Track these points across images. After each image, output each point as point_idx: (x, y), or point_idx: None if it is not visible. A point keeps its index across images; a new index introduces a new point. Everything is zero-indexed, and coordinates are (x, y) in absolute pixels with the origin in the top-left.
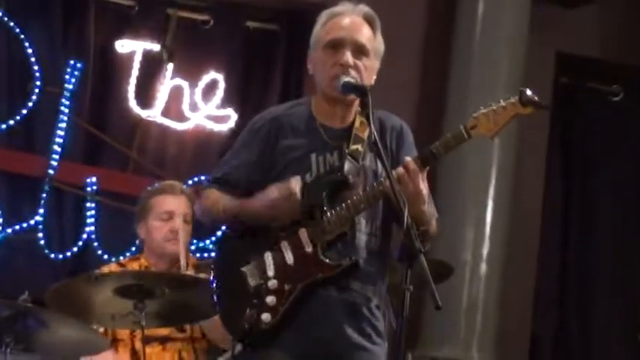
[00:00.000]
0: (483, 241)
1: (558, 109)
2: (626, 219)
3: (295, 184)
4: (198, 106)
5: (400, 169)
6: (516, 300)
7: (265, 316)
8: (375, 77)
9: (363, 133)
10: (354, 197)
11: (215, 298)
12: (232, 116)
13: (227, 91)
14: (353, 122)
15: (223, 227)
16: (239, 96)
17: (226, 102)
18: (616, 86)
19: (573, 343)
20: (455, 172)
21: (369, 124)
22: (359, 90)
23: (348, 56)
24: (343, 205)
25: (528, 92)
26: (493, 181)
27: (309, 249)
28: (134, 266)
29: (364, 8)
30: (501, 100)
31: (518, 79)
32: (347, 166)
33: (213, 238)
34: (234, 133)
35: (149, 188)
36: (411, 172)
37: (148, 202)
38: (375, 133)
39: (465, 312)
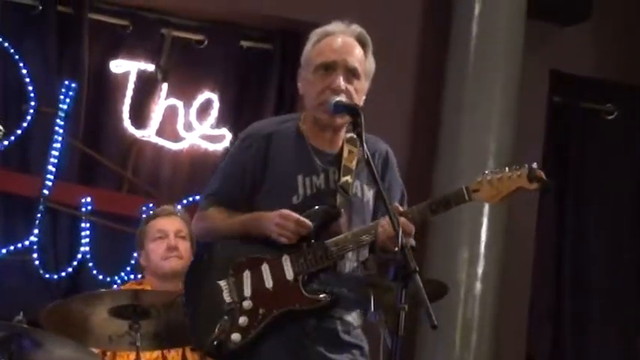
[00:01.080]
0: (478, 260)
1: (552, 128)
2: (621, 236)
3: (303, 220)
4: (193, 125)
5: (379, 228)
6: (511, 319)
7: (235, 336)
8: (364, 98)
9: (351, 162)
10: (346, 235)
11: (185, 304)
12: (227, 136)
13: (221, 110)
14: (341, 149)
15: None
16: (233, 115)
17: (221, 122)
18: (610, 105)
19: None
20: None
21: (362, 143)
22: (351, 110)
23: (340, 80)
24: (334, 239)
25: (536, 168)
26: None
27: (290, 277)
28: None
29: (356, 28)
30: (507, 169)
31: (513, 97)
32: (339, 199)
33: None
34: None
35: (144, 217)
36: (405, 230)
37: (143, 229)
38: (368, 153)
39: (460, 331)
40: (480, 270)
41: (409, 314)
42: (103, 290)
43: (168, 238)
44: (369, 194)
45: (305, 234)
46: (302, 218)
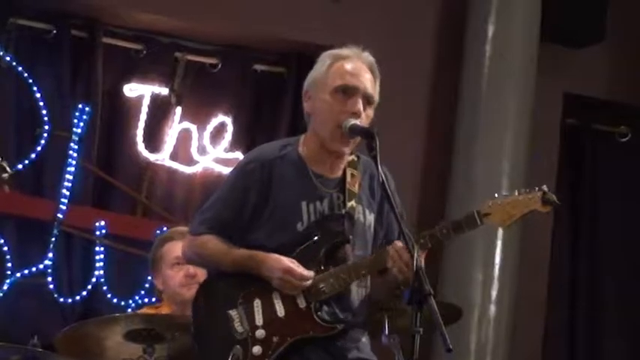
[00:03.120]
0: (492, 282)
1: (566, 151)
2: (636, 257)
3: (308, 275)
4: (207, 149)
5: (394, 252)
6: (526, 341)
7: None
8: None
9: (354, 186)
10: (357, 262)
11: (195, 337)
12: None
13: (235, 134)
14: (344, 173)
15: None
16: (247, 139)
17: (235, 145)
18: (623, 127)
19: None
20: (463, 214)
21: (377, 167)
22: (366, 133)
23: (361, 105)
24: (344, 267)
25: (548, 191)
26: None
27: (302, 305)
28: None
29: (368, 57)
30: (516, 192)
31: (526, 120)
32: (346, 225)
33: None
34: None
35: (158, 237)
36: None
37: (158, 252)
38: (384, 176)
39: (475, 354)
40: (494, 293)
41: (424, 337)
42: (117, 314)
43: (186, 266)
44: (370, 218)
45: (307, 285)
46: (305, 273)
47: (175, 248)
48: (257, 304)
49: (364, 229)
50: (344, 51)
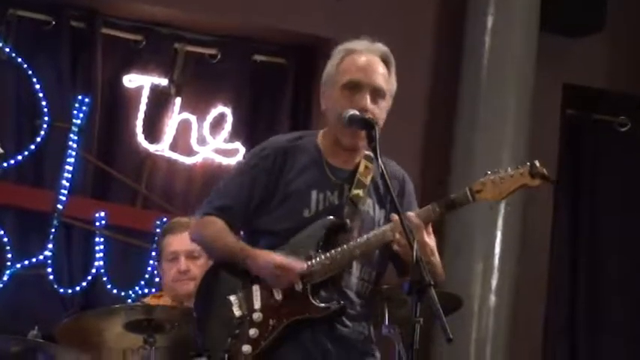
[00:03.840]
0: (492, 273)
1: (566, 141)
2: (637, 249)
3: (301, 269)
4: (207, 140)
5: (396, 222)
6: (526, 332)
7: (246, 348)
8: (384, 116)
9: (366, 177)
10: (351, 242)
11: (196, 322)
12: (240, 150)
13: (235, 124)
14: (357, 165)
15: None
16: (247, 129)
17: (234, 136)
18: (623, 117)
19: None
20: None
21: (377, 157)
22: (365, 123)
23: (367, 100)
24: (339, 249)
25: (538, 165)
26: (502, 213)
27: (298, 287)
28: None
29: (381, 47)
30: (509, 169)
31: (526, 110)
32: (346, 209)
33: None
34: None
35: (163, 228)
36: (415, 225)
37: (160, 244)
38: (383, 166)
39: (475, 344)
40: (494, 283)
41: (424, 328)
42: (117, 305)
43: (179, 261)
44: (381, 214)
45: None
46: (297, 264)
47: (173, 242)
48: (256, 289)
49: (372, 222)
50: (355, 44)
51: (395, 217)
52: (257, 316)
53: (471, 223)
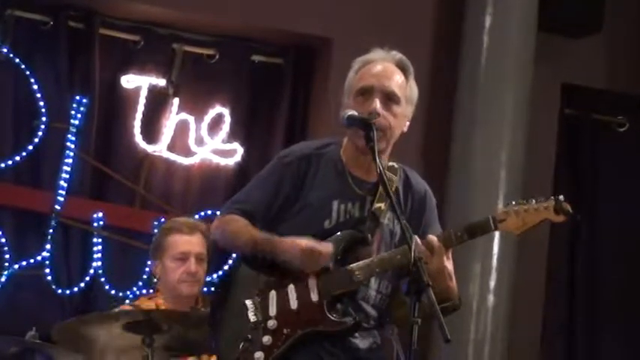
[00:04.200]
0: (490, 273)
1: (564, 140)
2: (635, 249)
3: (327, 250)
4: (204, 140)
5: (422, 247)
6: (524, 332)
7: (258, 355)
8: (408, 123)
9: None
10: (372, 259)
11: (211, 325)
12: (238, 150)
13: (233, 125)
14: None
15: (234, 255)
16: (245, 130)
17: (232, 136)
18: (622, 117)
19: None
20: (462, 205)
21: (374, 158)
22: (363, 123)
23: (376, 104)
24: (359, 264)
25: (562, 200)
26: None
27: (315, 298)
28: (150, 306)
29: (396, 55)
30: (534, 201)
31: (524, 110)
32: (367, 223)
33: (220, 272)
34: (241, 167)
35: (164, 225)
36: (435, 250)
37: (163, 241)
38: (382, 169)
39: (473, 344)
40: (492, 283)
41: (422, 328)
42: (117, 310)
43: (189, 262)
44: (399, 228)
45: (330, 255)
46: (325, 244)
47: (181, 242)
48: (272, 295)
49: (391, 236)
50: (371, 55)
51: (417, 239)
52: (272, 323)
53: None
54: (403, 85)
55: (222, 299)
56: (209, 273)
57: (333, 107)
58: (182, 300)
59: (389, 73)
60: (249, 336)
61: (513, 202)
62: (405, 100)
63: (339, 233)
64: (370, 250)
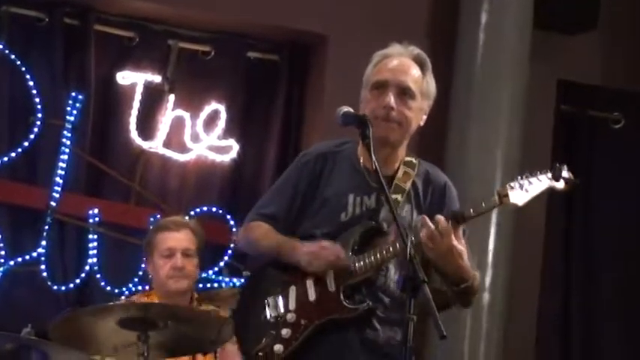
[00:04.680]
0: (486, 270)
1: (560, 137)
2: (630, 245)
3: (339, 250)
4: (200, 137)
5: (430, 226)
6: (520, 329)
7: (278, 347)
8: (425, 117)
9: (405, 183)
10: (385, 246)
11: (236, 325)
12: (234, 147)
13: (228, 121)
14: (396, 171)
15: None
16: (241, 126)
17: (228, 133)
18: (618, 113)
19: None
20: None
21: (370, 155)
22: (358, 120)
23: (390, 98)
24: (373, 251)
25: (563, 168)
26: (495, 210)
27: (332, 288)
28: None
29: (414, 50)
30: (538, 173)
31: (520, 107)
32: (383, 213)
33: (216, 269)
34: (236, 163)
35: (155, 224)
36: (442, 229)
37: (152, 239)
38: (377, 163)
39: (469, 341)
40: (488, 280)
41: (418, 325)
42: (112, 303)
43: (175, 258)
44: (418, 219)
45: (341, 257)
46: (337, 246)
47: (169, 239)
48: (292, 290)
49: (409, 227)
50: (389, 50)
51: (424, 218)
52: (290, 316)
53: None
54: (419, 79)
55: (248, 300)
56: (203, 269)
57: (327, 103)
58: (173, 296)
59: (405, 68)
60: (272, 332)
61: (518, 177)
62: (420, 94)
63: (356, 225)
64: (387, 239)
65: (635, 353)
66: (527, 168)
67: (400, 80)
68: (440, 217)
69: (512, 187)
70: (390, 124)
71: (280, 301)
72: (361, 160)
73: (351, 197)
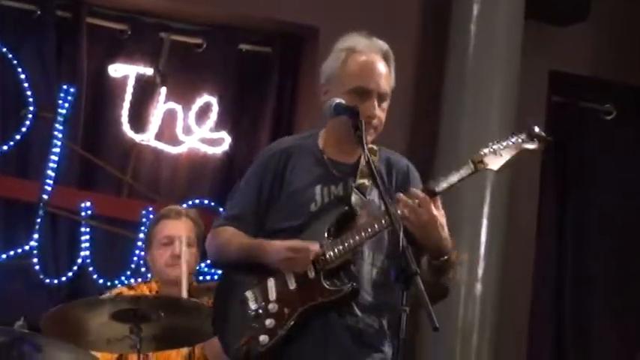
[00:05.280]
0: (478, 261)
1: (551, 128)
2: (622, 235)
3: (314, 249)
4: (192, 129)
5: (408, 200)
6: (512, 320)
7: (263, 338)
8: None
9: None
10: (359, 229)
11: (215, 321)
12: (226, 139)
13: (220, 114)
14: (359, 157)
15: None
16: (233, 119)
17: (220, 125)
18: (609, 105)
19: None
20: (449, 193)
21: (362, 147)
22: (350, 112)
23: (375, 108)
24: (347, 234)
25: (535, 127)
26: (488, 201)
27: (311, 274)
28: (145, 290)
29: (381, 45)
30: (509, 137)
31: (512, 98)
32: (354, 198)
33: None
34: (228, 156)
35: (156, 214)
36: (421, 200)
37: (152, 230)
38: (369, 155)
39: (461, 332)
40: (480, 271)
41: (410, 316)
42: (104, 296)
43: (173, 246)
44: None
45: (315, 254)
46: (308, 244)
47: (168, 227)
48: (271, 282)
49: (379, 212)
50: (357, 43)
51: (400, 195)
52: (272, 306)
53: (456, 212)
54: (389, 77)
55: (224, 298)
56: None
57: (318, 95)
58: (172, 284)
59: (380, 70)
60: (254, 324)
61: (490, 144)
62: (389, 93)
63: (327, 213)
64: (359, 222)
65: (627, 342)
66: (519, 159)
67: (383, 88)
68: (415, 190)
69: (485, 153)
70: (369, 130)
71: (259, 293)
72: (324, 152)
73: (317, 188)
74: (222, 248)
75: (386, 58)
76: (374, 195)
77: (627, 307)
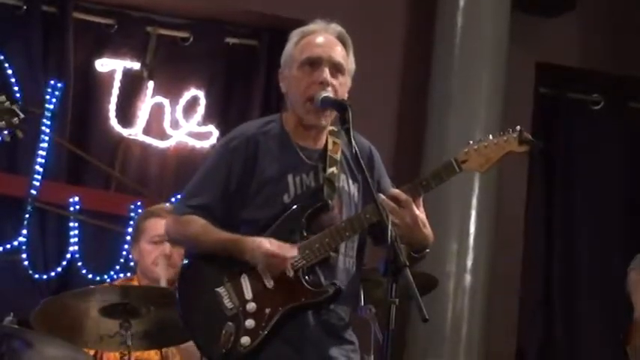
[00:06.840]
0: (467, 252)
1: (539, 119)
2: (609, 226)
3: (291, 255)
4: (180, 123)
5: (390, 202)
6: (501, 310)
7: (245, 340)
8: (347, 94)
9: (336, 154)
10: (338, 224)
11: (184, 321)
12: (214, 133)
13: (208, 107)
14: (326, 143)
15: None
16: (220, 112)
17: (207, 119)
18: (596, 95)
19: (559, 352)
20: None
21: (350, 140)
22: (338, 105)
23: (327, 74)
24: (327, 231)
25: (524, 130)
26: (476, 192)
27: (290, 273)
28: None
29: (337, 27)
30: (491, 136)
31: (499, 89)
32: (325, 190)
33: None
34: None
35: (145, 210)
36: (403, 202)
37: (141, 224)
38: (357, 147)
39: (451, 323)
40: (469, 262)
41: (399, 308)
42: (92, 287)
43: (164, 246)
44: (354, 188)
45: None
46: (288, 251)
47: (159, 225)
48: (244, 278)
49: (349, 198)
50: (310, 27)
51: (382, 197)
52: (251, 306)
53: (445, 203)
54: (345, 57)
55: (190, 291)
56: None
57: None
58: (154, 283)
59: (333, 45)
60: (230, 323)
61: (471, 142)
62: (347, 72)
63: (298, 205)
64: (332, 215)
65: (614, 330)
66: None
67: (331, 56)
68: (397, 192)
69: (469, 154)
70: (326, 110)
71: (232, 290)
72: (292, 138)
73: (290, 177)
74: (194, 240)
75: (342, 41)
76: (342, 182)
77: (616, 295)
